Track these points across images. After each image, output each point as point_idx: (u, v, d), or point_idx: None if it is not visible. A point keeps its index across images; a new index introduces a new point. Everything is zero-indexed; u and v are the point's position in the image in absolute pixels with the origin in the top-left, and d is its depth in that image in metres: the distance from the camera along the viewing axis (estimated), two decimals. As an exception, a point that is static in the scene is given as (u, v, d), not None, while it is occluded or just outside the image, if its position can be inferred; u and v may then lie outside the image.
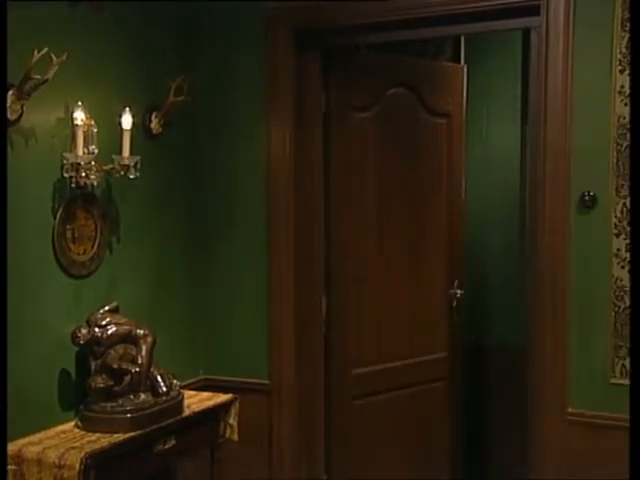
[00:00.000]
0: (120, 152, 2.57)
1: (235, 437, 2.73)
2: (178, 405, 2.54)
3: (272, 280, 3.04)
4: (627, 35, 2.46)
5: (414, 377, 3.20)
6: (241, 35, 3.04)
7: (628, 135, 2.49)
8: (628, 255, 2.52)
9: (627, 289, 2.52)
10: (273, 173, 3.03)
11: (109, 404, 2.40)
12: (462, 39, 3.72)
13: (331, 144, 3.11)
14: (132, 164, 2.58)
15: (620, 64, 2.48)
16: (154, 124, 2.85)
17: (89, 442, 2.24)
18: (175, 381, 2.59)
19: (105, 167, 2.55)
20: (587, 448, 2.57)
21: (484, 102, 3.77)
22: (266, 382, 3.03)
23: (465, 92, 3.50)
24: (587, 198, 2.56)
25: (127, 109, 2.57)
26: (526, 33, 2.97)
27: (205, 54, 3.08)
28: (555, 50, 2.55)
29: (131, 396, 2.43)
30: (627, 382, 2.51)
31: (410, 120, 3.28)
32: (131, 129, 2.58)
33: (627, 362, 2.53)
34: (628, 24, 2.46)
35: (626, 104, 2.48)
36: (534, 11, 2.62)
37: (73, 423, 2.42)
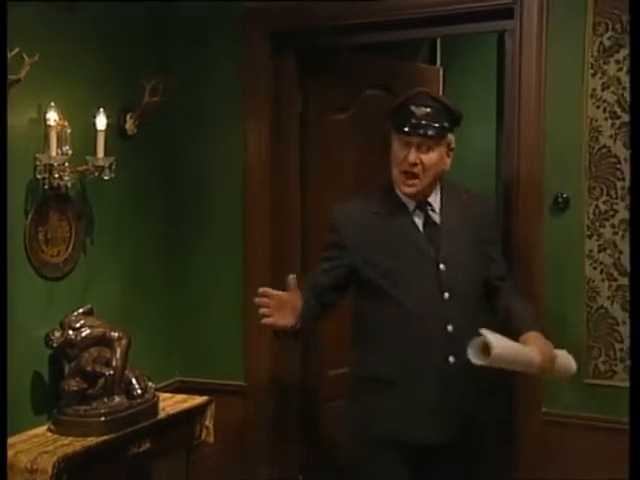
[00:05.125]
0: (94, 153, 2.55)
1: (211, 439, 2.72)
2: (153, 408, 2.53)
3: (248, 281, 3.03)
4: (598, 40, 2.50)
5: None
6: (217, 36, 3.03)
7: (600, 138, 2.53)
8: (600, 256, 2.55)
9: (599, 290, 2.55)
10: (249, 174, 3.02)
11: (83, 407, 2.38)
12: (438, 41, 3.75)
13: (308, 145, 3.10)
14: (106, 165, 2.56)
15: (592, 68, 2.52)
16: (129, 125, 2.83)
17: (62, 446, 2.22)
18: (150, 383, 2.58)
19: (79, 168, 2.53)
20: (562, 447, 2.60)
21: (460, 103, 3.77)
22: (242, 384, 3.03)
23: (441, 94, 3.52)
24: (560, 200, 2.58)
25: (101, 110, 2.55)
26: (501, 36, 2.99)
27: (181, 55, 3.06)
28: (529, 53, 2.57)
29: (105, 399, 2.42)
30: (600, 382, 2.55)
31: (386, 122, 3.28)
32: (105, 130, 2.56)
33: (600, 362, 2.56)
34: (599, 29, 2.49)
35: (598, 107, 2.52)
36: (508, 14, 2.64)
37: (46, 427, 2.40)
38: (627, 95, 2.48)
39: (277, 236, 3.06)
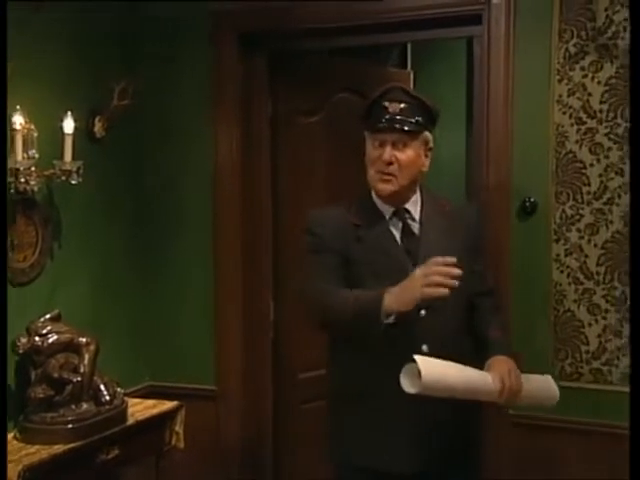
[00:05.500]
0: (62, 157, 2.52)
1: (181, 444, 2.71)
2: (122, 414, 2.50)
3: (219, 285, 3.02)
4: (564, 46, 2.53)
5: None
6: (186, 38, 3.01)
7: (566, 143, 2.56)
8: (567, 260, 2.58)
9: (566, 293, 2.59)
10: (220, 177, 3.01)
11: (49, 414, 2.35)
12: (409, 46, 3.77)
13: (278, 148, 3.10)
14: (74, 169, 2.54)
15: (558, 74, 2.55)
16: (97, 128, 2.80)
17: (27, 455, 2.19)
18: (119, 389, 2.56)
19: (46, 172, 2.50)
20: (529, 449, 2.62)
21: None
22: (213, 388, 3.02)
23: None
24: (528, 204, 2.61)
25: (69, 113, 2.53)
26: (470, 41, 3.01)
27: (150, 57, 3.04)
28: (496, 59, 2.60)
29: (72, 406, 2.39)
30: (566, 384, 2.57)
31: (357, 125, 3.28)
32: (73, 133, 2.53)
33: (566, 364, 2.59)
34: (565, 35, 2.53)
35: (564, 113, 2.55)
36: (477, 21, 2.66)
37: (12, 435, 2.36)
38: (592, 101, 2.51)
39: (248, 239, 3.05)
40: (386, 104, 1.99)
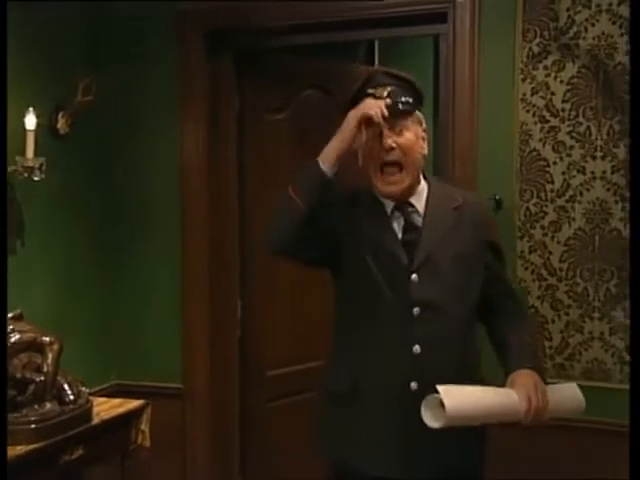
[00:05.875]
0: (24, 153, 2.48)
1: (147, 443, 2.68)
2: (86, 413, 2.47)
3: (186, 282, 3.01)
4: (527, 46, 2.56)
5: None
6: (153, 36, 2.99)
7: (530, 141, 2.59)
8: (531, 257, 2.62)
9: (530, 290, 2.62)
10: (187, 175, 2.99)
11: (12, 415, 2.30)
12: (376, 43, 3.77)
13: (245, 146, 3.09)
14: (37, 166, 2.50)
15: (522, 73, 2.58)
16: (61, 124, 2.77)
17: (-11, 456, 2.16)
18: (83, 388, 2.52)
19: (8, 169, 2.46)
20: (497, 445, 2.65)
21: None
22: (179, 386, 3.00)
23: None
24: (493, 202, 2.63)
25: (31, 109, 2.49)
26: (436, 39, 3.03)
27: (115, 54, 3.01)
28: (461, 57, 2.62)
29: (36, 406, 2.34)
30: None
31: (324, 122, 3.28)
32: (35, 129, 2.50)
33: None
34: (528, 35, 2.56)
35: (528, 111, 2.58)
36: (442, 19, 2.68)
37: (-27, 436, 2.32)
38: (555, 100, 2.55)
39: (215, 237, 3.04)
40: (371, 91, 1.84)
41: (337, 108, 3.29)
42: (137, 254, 3.06)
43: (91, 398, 2.55)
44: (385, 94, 1.82)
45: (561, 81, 2.54)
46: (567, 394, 1.86)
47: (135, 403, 2.67)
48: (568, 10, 2.52)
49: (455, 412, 1.63)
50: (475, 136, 2.63)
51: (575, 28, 2.51)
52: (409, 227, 1.86)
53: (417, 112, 1.89)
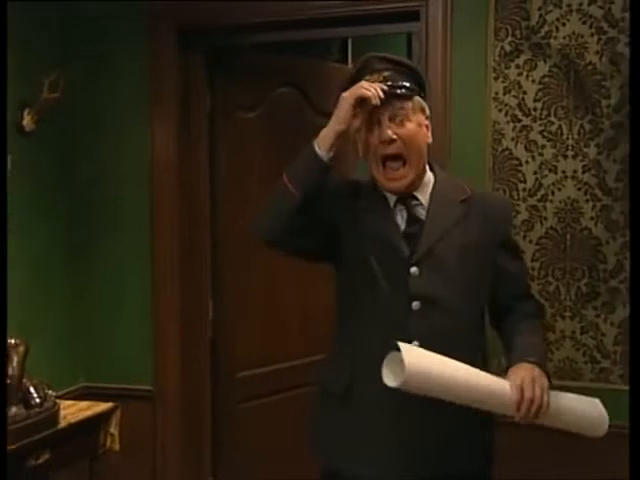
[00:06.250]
0: (-13, 151, 2.42)
1: (116, 447, 2.64)
2: (53, 417, 2.42)
3: (156, 283, 2.96)
4: (500, 44, 2.56)
5: (301, 379, 3.19)
6: (124, 33, 2.95)
7: (502, 140, 2.59)
8: (503, 256, 2.61)
9: (502, 289, 2.62)
10: (157, 174, 2.95)
11: (-25, 419, 2.26)
12: (349, 41, 3.76)
13: (217, 144, 3.05)
14: (1, 163, 2.44)
15: (494, 72, 2.57)
16: (27, 121, 2.71)
17: (-48, 461, 2.10)
18: (50, 391, 2.47)
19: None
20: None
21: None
22: (150, 388, 2.96)
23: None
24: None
25: (-5, 105, 2.43)
26: (410, 37, 3.02)
27: (84, 50, 2.96)
28: (434, 56, 2.61)
29: (0, 410, 2.30)
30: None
31: (297, 120, 3.27)
32: None
33: (503, 359, 2.62)
34: (500, 34, 2.56)
35: (500, 110, 2.58)
36: (415, 17, 2.67)
37: None
38: (527, 99, 2.55)
39: (186, 236, 3.00)
40: (367, 77, 1.71)
41: (310, 106, 3.32)
42: (106, 254, 3.01)
43: (58, 401, 2.50)
44: (381, 79, 1.70)
45: (533, 80, 2.54)
46: (585, 407, 1.68)
47: (103, 406, 2.63)
48: (539, 9, 2.52)
49: (415, 373, 1.49)
50: (447, 135, 2.62)
51: (546, 27, 2.52)
52: (412, 219, 1.75)
53: (419, 99, 1.75)
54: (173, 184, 2.95)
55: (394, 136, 1.69)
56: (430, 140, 1.78)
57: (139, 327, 2.98)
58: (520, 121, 2.56)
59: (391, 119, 1.70)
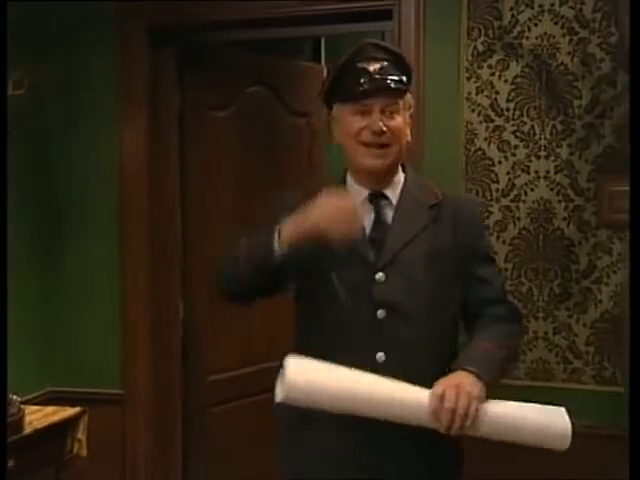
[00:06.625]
0: (-50, 150, 2.35)
1: (83, 453, 2.58)
2: (17, 423, 2.36)
3: (125, 285, 2.91)
4: (472, 44, 2.55)
5: (273, 382, 3.14)
6: (92, 30, 2.89)
7: (475, 141, 2.58)
8: (476, 256, 2.61)
9: (475, 289, 2.61)
10: (126, 174, 2.90)
11: (-64, 427, 2.19)
12: (322, 40, 3.73)
13: (187, 144, 3.01)
14: (-35, 163, 2.37)
15: (467, 72, 2.56)
16: (-9, 120, 2.64)
17: None
18: (14, 397, 2.41)
19: None
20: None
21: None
22: (119, 392, 2.90)
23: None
24: (439, 201, 2.61)
25: (-42, 102, 2.36)
26: (383, 36, 3.01)
27: (53, 50, 2.90)
28: (407, 55, 2.53)
29: (-38, 416, 2.23)
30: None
31: (270, 119, 3.24)
32: (-37, 124, 2.37)
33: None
34: (473, 33, 2.55)
35: (473, 110, 2.57)
36: (388, 15, 2.65)
37: None
38: (500, 99, 2.54)
39: (156, 237, 2.95)
40: (364, 65, 1.62)
41: (283, 105, 3.29)
42: (73, 254, 2.95)
43: (23, 407, 2.44)
44: (378, 68, 1.61)
45: (505, 80, 2.53)
46: (544, 417, 1.53)
47: (71, 411, 2.57)
48: (511, 9, 2.52)
49: (300, 384, 1.41)
50: (421, 135, 2.60)
51: (519, 27, 2.51)
52: (379, 222, 1.67)
53: (409, 96, 1.70)
54: (143, 185, 2.90)
55: (384, 128, 1.62)
56: (409, 139, 1.73)
57: (108, 329, 2.92)
58: (493, 121, 2.56)
59: (382, 111, 1.63)
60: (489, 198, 2.58)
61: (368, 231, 1.66)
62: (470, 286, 1.71)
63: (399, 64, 1.67)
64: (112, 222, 2.91)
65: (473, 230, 1.74)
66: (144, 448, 2.91)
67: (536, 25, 2.50)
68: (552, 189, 2.52)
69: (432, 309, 1.64)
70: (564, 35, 2.48)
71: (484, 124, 2.57)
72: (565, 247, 2.52)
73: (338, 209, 1.49)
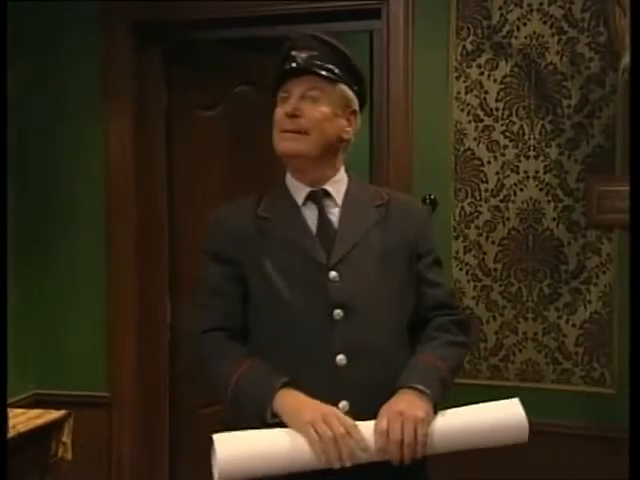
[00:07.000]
0: None
1: (68, 456, 2.54)
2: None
3: (112, 286, 2.88)
4: (461, 43, 2.54)
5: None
6: (77, 29, 2.86)
7: (465, 140, 2.57)
8: (466, 257, 2.59)
9: (465, 290, 2.60)
10: (112, 173, 2.87)
11: None
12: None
13: (174, 144, 2.98)
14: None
15: (456, 71, 2.55)
16: (-26, 118, 2.60)
17: None
18: (-2, 400, 2.37)
19: None
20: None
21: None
22: (105, 394, 2.87)
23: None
24: (428, 201, 2.60)
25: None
26: (372, 35, 2.99)
27: (38, 48, 2.87)
28: (395, 54, 2.58)
29: (-57, 420, 2.19)
30: (465, 381, 2.58)
31: (257, 119, 3.20)
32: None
33: (466, 362, 2.60)
34: (462, 33, 2.54)
35: (462, 110, 2.56)
36: (377, 14, 2.64)
37: None
38: (489, 99, 2.53)
39: (143, 238, 2.92)
40: (294, 53, 1.57)
41: (271, 105, 3.26)
42: (59, 255, 2.91)
43: (7, 410, 2.40)
44: (307, 56, 1.56)
45: (494, 80, 2.52)
46: (495, 415, 1.45)
47: (55, 414, 2.53)
48: (500, 9, 2.51)
49: (232, 460, 1.35)
50: (410, 134, 2.59)
51: (507, 27, 2.50)
52: (324, 220, 1.60)
53: (345, 89, 1.60)
54: (129, 184, 2.87)
55: (297, 112, 1.55)
56: (348, 137, 1.62)
57: (94, 330, 2.89)
58: (482, 121, 2.55)
59: (303, 96, 1.56)
60: (478, 198, 2.57)
61: (314, 230, 1.59)
62: (418, 289, 1.63)
63: (335, 56, 1.60)
64: (98, 224, 2.88)
65: (421, 232, 1.67)
66: (130, 451, 2.88)
67: (525, 24, 2.49)
68: (541, 189, 2.51)
69: (389, 310, 1.57)
70: (553, 35, 2.47)
71: (473, 124, 2.55)
72: (554, 247, 2.51)
73: (337, 436, 1.36)
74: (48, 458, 2.51)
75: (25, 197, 2.90)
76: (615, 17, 2.18)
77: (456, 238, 2.60)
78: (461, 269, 2.60)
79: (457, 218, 2.60)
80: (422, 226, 1.68)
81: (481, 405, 1.47)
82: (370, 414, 1.41)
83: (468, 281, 2.60)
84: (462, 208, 2.59)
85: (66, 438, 2.54)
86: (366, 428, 1.39)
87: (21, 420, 2.46)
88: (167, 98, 2.95)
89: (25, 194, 2.90)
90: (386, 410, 1.41)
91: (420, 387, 1.44)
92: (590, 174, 2.46)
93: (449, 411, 1.46)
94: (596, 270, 2.47)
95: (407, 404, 1.41)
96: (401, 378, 1.48)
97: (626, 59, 2.08)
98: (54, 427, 2.52)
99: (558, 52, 2.47)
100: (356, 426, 1.38)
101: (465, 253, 2.60)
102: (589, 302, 2.48)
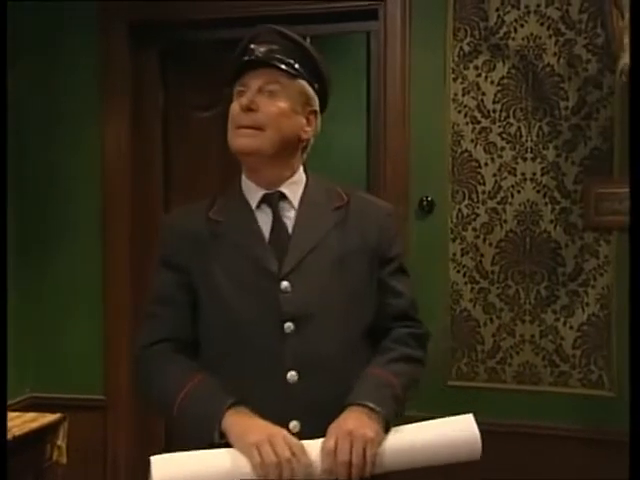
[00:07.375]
0: None
1: (63, 460, 2.53)
2: (-5, 430, 2.31)
3: (108, 288, 2.86)
4: (458, 45, 2.53)
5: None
6: (74, 29, 2.85)
7: (462, 142, 2.56)
8: (463, 259, 2.59)
9: (462, 293, 2.59)
10: (109, 174, 2.86)
11: None
12: (307, 39, 3.70)
13: (171, 144, 2.97)
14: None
15: (453, 72, 2.55)
16: (-30, 119, 2.59)
17: None
18: (-7, 403, 2.36)
19: None
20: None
21: (330, 104, 3.76)
22: (101, 397, 2.86)
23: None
24: (425, 203, 2.59)
25: None
26: (369, 36, 2.98)
27: (36, 48, 2.86)
28: (392, 55, 2.57)
29: (-62, 423, 2.18)
30: (463, 384, 2.58)
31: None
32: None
33: (462, 364, 2.59)
34: (459, 34, 2.53)
35: (459, 112, 2.55)
36: (374, 15, 2.63)
37: None
38: (486, 100, 2.53)
39: (139, 239, 2.91)
40: (252, 46, 1.50)
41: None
42: (56, 257, 2.89)
43: (6, 413, 2.39)
44: (265, 49, 1.48)
45: (492, 81, 2.52)
46: (449, 433, 1.38)
47: (50, 417, 2.52)
48: (497, 10, 2.50)
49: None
50: (407, 136, 2.59)
51: (505, 28, 2.50)
52: (278, 225, 1.50)
53: (305, 85, 1.51)
54: (126, 185, 2.86)
55: (253, 106, 1.45)
56: (307, 137, 1.53)
57: (89, 333, 2.87)
58: (479, 123, 2.54)
59: (260, 90, 1.47)
60: (475, 200, 2.56)
61: (267, 236, 1.49)
62: (379, 298, 1.53)
63: (296, 51, 1.51)
64: (95, 225, 2.87)
65: (383, 236, 1.55)
66: (125, 454, 2.87)
67: (522, 26, 2.49)
68: (539, 191, 2.51)
69: (344, 319, 1.46)
70: (550, 36, 2.47)
71: (470, 125, 2.55)
72: (552, 250, 2.50)
73: (281, 460, 1.27)
74: (43, 462, 2.50)
75: (24, 197, 2.88)
76: (612, 19, 2.18)
77: (453, 240, 2.60)
78: (458, 271, 2.59)
79: (454, 220, 2.59)
80: (385, 230, 1.56)
81: (434, 421, 1.41)
82: (322, 434, 1.33)
83: (465, 283, 2.59)
84: (459, 210, 2.58)
85: (61, 442, 2.53)
86: (314, 447, 1.32)
87: (16, 423, 2.45)
88: (164, 98, 2.95)
89: (24, 194, 2.88)
90: (335, 429, 1.33)
91: (371, 405, 1.36)
92: (587, 176, 2.45)
93: (400, 428, 1.39)
94: (594, 272, 2.46)
95: (356, 422, 1.33)
96: (352, 394, 1.39)
97: (623, 61, 2.07)
98: (49, 431, 2.51)
99: (555, 54, 2.46)
100: (303, 448, 1.31)
101: (462, 255, 2.59)
102: (587, 304, 2.47)
